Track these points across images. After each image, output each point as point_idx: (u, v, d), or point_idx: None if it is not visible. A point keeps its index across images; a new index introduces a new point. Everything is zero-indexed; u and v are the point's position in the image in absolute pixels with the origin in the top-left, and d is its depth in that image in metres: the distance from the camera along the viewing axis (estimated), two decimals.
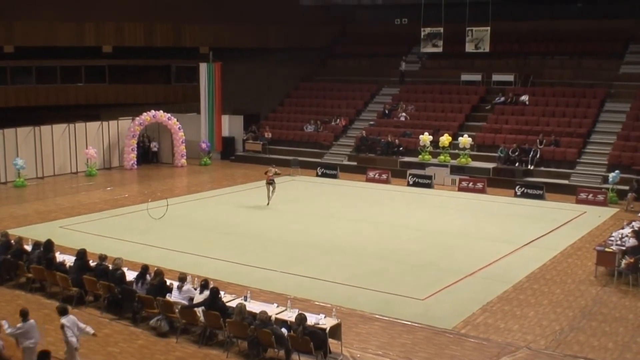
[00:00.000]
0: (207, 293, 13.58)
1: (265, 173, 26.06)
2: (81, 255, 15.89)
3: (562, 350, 13.19)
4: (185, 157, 35.90)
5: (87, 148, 32.86)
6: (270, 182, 25.75)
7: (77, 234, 21.49)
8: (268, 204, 25.79)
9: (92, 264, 15.87)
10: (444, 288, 16.74)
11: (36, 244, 17.12)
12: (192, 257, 19.13)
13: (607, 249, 17.72)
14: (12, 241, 17.32)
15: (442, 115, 35.93)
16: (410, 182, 30.40)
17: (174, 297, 14.22)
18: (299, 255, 19.53)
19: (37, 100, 38.44)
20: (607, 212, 25.22)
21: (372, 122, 36.94)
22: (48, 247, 16.42)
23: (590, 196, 26.82)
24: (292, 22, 42.03)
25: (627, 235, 18.31)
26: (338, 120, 37.52)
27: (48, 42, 35.42)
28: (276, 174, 26.04)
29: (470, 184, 29.32)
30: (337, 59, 44.36)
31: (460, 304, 15.64)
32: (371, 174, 31.55)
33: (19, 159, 29.90)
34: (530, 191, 27.94)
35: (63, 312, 11.78)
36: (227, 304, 13.57)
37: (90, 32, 36.75)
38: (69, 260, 16.43)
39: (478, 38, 33.44)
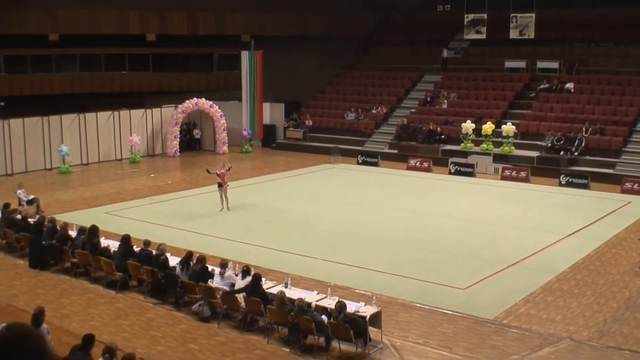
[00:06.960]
0: (248, 279, 13.68)
1: (220, 171, 23.19)
2: (125, 240, 16.14)
3: (605, 341, 12.99)
4: (227, 145, 36.13)
5: (131, 135, 33.28)
6: (220, 185, 23.13)
7: (121, 220, 21.80)
8: (228, 208, 23.09)
9: (136, 249, 16.12)
10: (485, 278, 16.60)
11: (81, 230, 17.43)
12: (233, 243, 19.29)
13: None
14: (58, 226, 17.65)
15: (485, 102, 35.54)
16: (452, 171, 30.15)
17: (215, 283, 14.37)
18: (339, 243, 19.55)
19: (82, 88, 39.01)
20: None
21: (413, 110, 36.70)
22: (93, 233, 16.66)
23: (635, 186, 26.30)
24: (334, 10, 41.90)
25: None
26: (379, 108, 37.36)
27: (92, 31, 35.83)
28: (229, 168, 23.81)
29: (514, 173, 28.94)
30: (379, 47, 44.06)
31: (502, 294, 15.50)
32: (412, 162, 31.36)
33: (63, 145, 30.41)
34: (574, 180, 27.52)
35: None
36: (268, 291, 13.66)
37: (134, 21, 37.08)
38: (114, 245, 16.70)
39: (522, 24, 33.05)
